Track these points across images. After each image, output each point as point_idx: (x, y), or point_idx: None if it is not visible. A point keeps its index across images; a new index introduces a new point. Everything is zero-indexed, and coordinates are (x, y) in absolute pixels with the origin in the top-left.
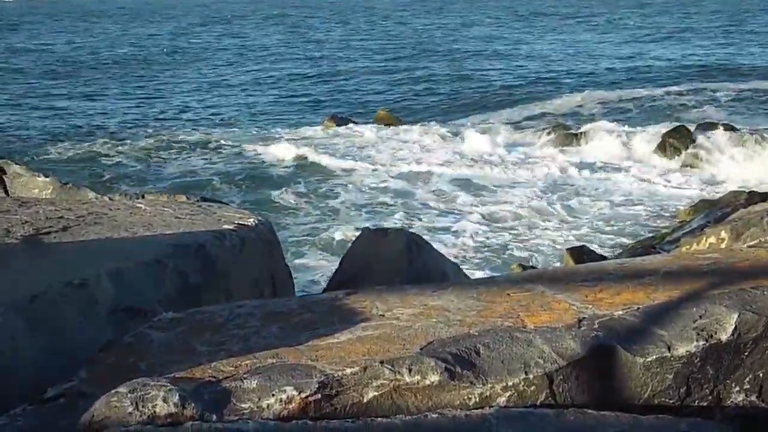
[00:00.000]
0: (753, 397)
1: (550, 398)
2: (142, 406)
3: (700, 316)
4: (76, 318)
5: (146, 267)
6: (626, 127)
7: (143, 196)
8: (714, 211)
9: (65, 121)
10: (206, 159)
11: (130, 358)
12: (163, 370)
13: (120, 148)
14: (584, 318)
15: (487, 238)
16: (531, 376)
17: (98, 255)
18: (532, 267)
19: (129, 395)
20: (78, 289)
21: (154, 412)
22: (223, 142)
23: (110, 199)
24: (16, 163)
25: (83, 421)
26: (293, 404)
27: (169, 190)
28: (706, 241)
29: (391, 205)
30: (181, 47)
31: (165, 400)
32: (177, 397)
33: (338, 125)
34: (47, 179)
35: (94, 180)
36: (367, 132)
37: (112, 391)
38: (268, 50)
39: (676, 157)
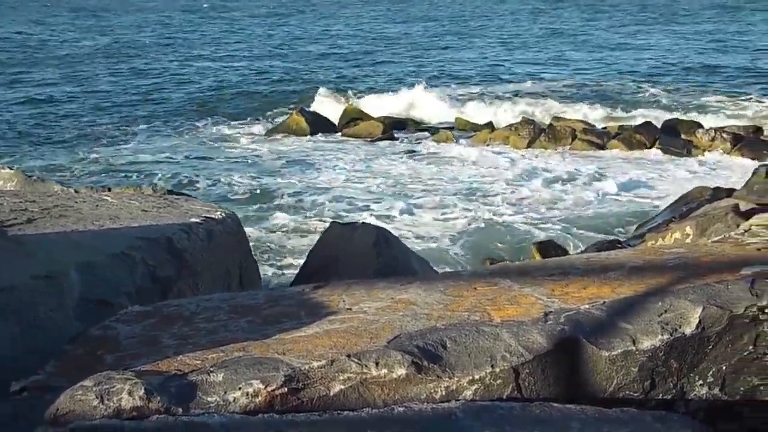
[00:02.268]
0: (716, 390)
1: (516, 392)
2: (108, 400)
3: (665, 311)
4: (44, 310)
5: (114, 260)
6: (592, 121)
7: (109, 189)
8: (679, 206)
9: (22, 115)
10: (169, 151)
11: (97, 351)
12: (129, 363)
13: (85, 141)
14: (550, 312)
15: (454, 233)
16: (497, 370)
17: (66, 247)
18: (500, 261)
19: (94, 388)
20: (46, 281)
21: (120, 405)
22: (185, 134)
23: (76, 191)
24: None
25: (48, 415)
26: (260, 398)
27: (134, 183)
28: (671, 236)
29: (358, 199)
30: (148, 38)
31: (130, 394)
32: (142, 390)
33: (305, 118)
34: (11, 171)
35: (58, 172)
36: (336, 131)
37: (77, 385)
38: (236, 42)
39: (642, 152)
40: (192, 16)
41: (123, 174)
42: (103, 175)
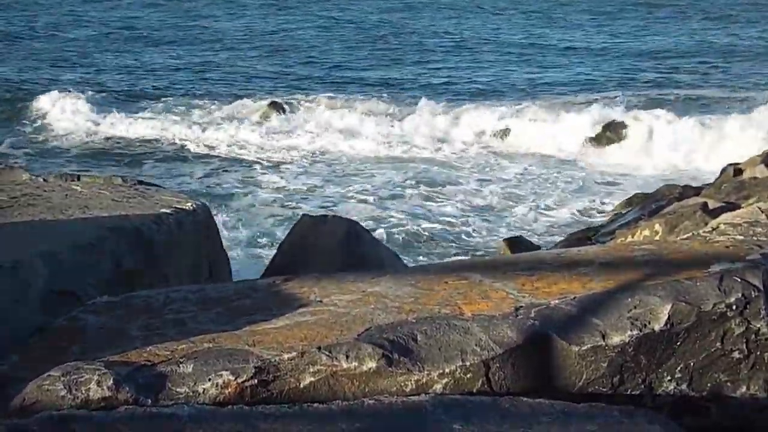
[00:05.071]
0: (684, 386)
1: (486, 386)
2: (75, 390)
3: (635, 306)
4: (7, 301)
5: (81, 250)
6: (560, 116)
7: (79, 178)
8: (648, 203)
9: None
10: (140, 142)
11: (63, 342)
12: (97, 354)
13: (57, 127)
14: (521, 306)
15: (425, 227)
16: (468, 364)
17: (31, 237)
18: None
19: (62, 378)
20: (10, 271)
21: (88, 395)
22: (158, 125)
23: (45, 180)
24: None
25: (14, 405)
26: (229, 389)
27: (105, 173)
28: (640, 233)
29: (329, 193)
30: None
31: (99, 384)
32: (111, 380)
33: (277, 111)
34: None
35: (27, 160)
36: (308, 118)
37: (44, 375)
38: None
39: (612, 149)
40: None
41: (93, 161)
42: (75, 163)
